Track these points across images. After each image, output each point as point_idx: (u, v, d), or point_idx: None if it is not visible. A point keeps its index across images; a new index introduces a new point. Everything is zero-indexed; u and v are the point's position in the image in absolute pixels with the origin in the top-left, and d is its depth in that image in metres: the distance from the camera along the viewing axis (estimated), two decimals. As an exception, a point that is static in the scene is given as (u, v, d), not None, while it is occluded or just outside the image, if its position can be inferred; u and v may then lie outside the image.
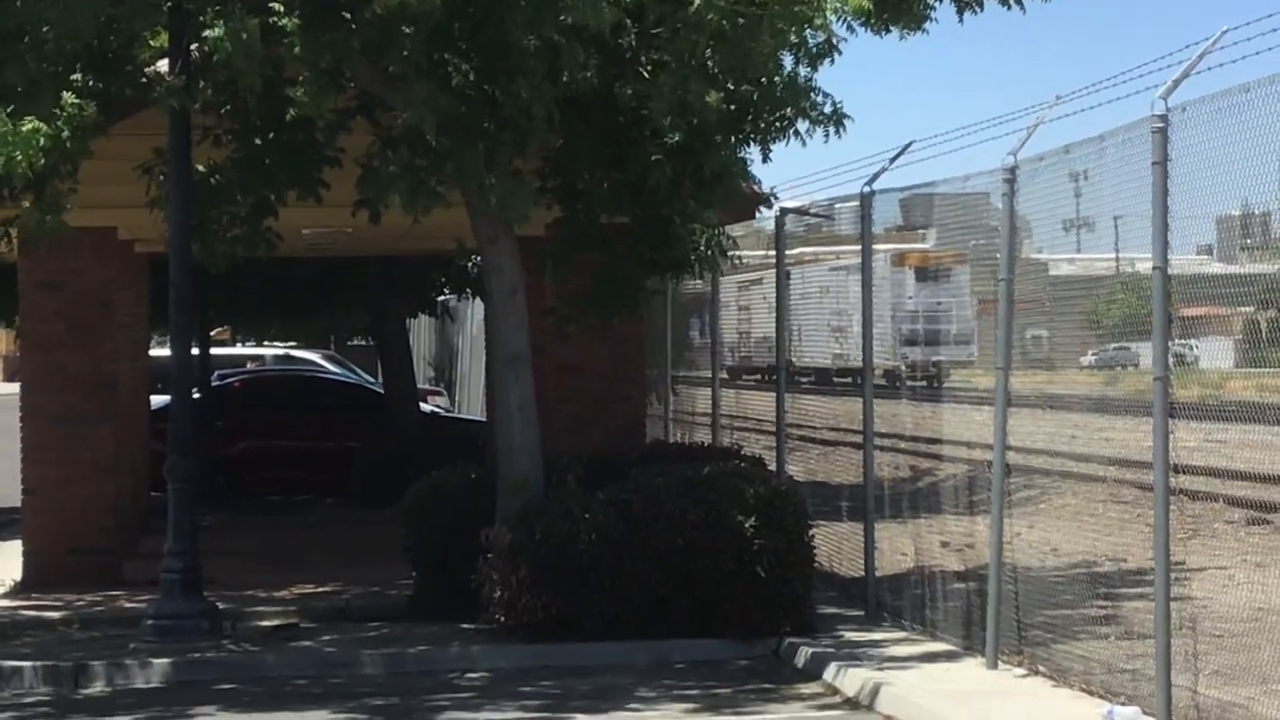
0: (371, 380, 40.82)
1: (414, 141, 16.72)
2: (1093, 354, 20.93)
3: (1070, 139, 15.31)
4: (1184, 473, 13.73)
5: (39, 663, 17.10)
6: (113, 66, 17.49)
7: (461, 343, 45.34)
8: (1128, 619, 15.43)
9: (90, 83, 17.21)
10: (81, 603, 20.47)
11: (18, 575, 22.26)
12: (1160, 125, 12.97)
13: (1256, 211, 19.62)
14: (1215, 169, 13.38)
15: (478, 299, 31.25)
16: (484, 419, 25.36)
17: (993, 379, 16.19)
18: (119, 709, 15.87)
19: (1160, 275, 13.38)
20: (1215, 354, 26.15)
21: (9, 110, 15.98)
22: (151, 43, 17.57)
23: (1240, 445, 22.93)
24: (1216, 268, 27.60)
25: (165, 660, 17.10)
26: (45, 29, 16.12)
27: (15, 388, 23.86)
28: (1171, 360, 13.53)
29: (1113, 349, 19.92)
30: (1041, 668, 15.40)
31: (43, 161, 16.20)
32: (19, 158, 15.93)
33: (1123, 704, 13.79)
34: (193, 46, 17.30)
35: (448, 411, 42.96)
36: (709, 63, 16.28)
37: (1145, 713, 13.34)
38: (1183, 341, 14.50)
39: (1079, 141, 15.13)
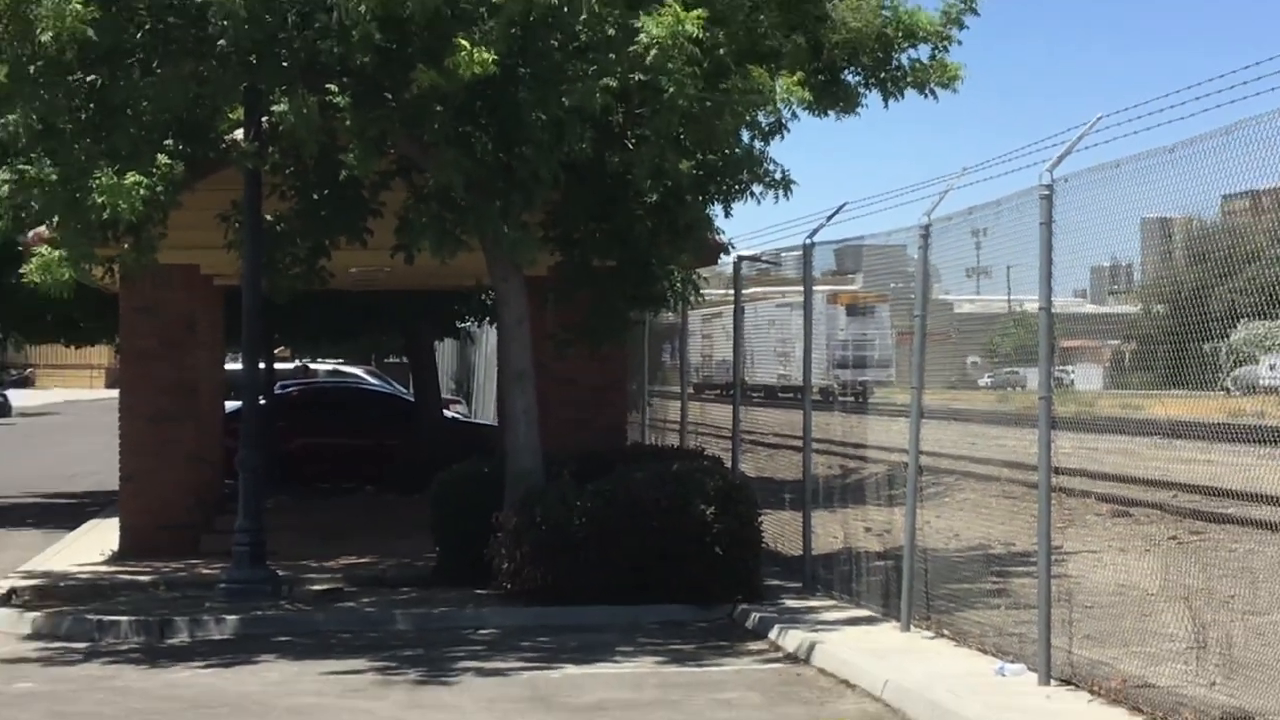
0: (404, 391, 40.78)
1: (442, 198, 16.71)
2: (989, 376, 20.96)
3: (973, 202, 15.37)
4: (1062, 474, 13.75)
5: (132, 617, 17.08)
6: (198, 134, 17.47)
7: (477, 361, 45.24)
8: (1015, 592, 15.42)
9: (179, 147, 17.17)
10: (167, 569, 20.42)
11: (115, 546, 22.23)
12: (1047, 193, 13.04)
13: (1122, 263, 19.64)
14: (1089, 228, 13.50)
15: (491, 325, 31.18)
16: (495, 423, 25.28)
17: (908, 396, 16.21)
18: (196, 656, 15.84)
19: (1045, 314, 13.44)
20: (1088, 378, 26.16)
21: (114, 168, 15.96)
22: (230, 115, 17.60)
23: (1107, 451, 22.96)
24: (1089, 308, 27.62)
25: (235, 617, 17.08)
26: (145, 104, 16.13)
27: (115, 393, 23.82)
28: (1053, 382, 13.57)
29: (1005, 372, 19.95)
30: (945, 631, 15.38)
31: (140, 210, 16.19)
32: (122, 206, 15.89)
33: (1011, 662, 13.79)
34: (263, 119, 17.34)
35: (466, 417, 42.88)
36: (681, 137, 16.27)
37: (1029, 669, 13.34)
38: (1062, 368, 14.47)
39: (980, 205, 15.19)
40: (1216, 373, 20.30)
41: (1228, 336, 18.83)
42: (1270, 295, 14.54)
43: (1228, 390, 21.46)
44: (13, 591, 18.94)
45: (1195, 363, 19.37)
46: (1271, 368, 18.47)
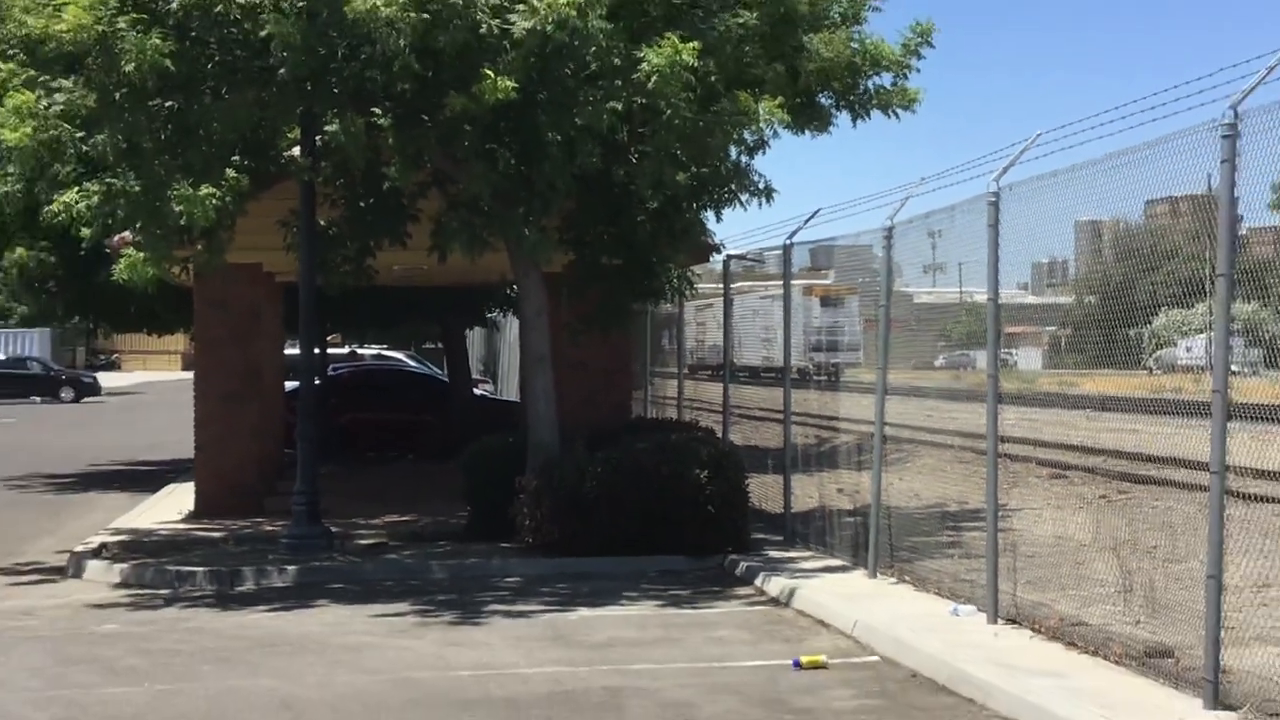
0: (439, 372, 40.80)
1: (471, 205, 16.72)
2: (942, 359, 20.98)
3: (931, 208, 15.39)
4: (1007, 442, 13.78)
5: (205, 568, 17.13)
6: (261, 151, 17.53)
7: (502, 346, 45.18)
8: (967, 544, 15.46)
9: (245, 162, 17.22)
10: (235, 527, 20.48)
11: (190, 507, 22.30)
12: (993, 199, 13.07)
13: (1058, 260, 19.64)
14: (1030, 230, 13.52)
15: (513, 316, 31.20)
16: (518, 400, 25.29)
17: (874, 375, 16.23)
18: (262, 601, 15.89)
19: (993, 305, 13.49)
20: (1029, 359, 26.12)
21: (189, 181, 16.00)
22: (288, 135, 17.61)
23: (1046, 423, 22.94)
24: (1030, 299, 27.57)
25: (294, 567, 17.14)
26: (215, 125, 16.14)
27: (189, 375, 23.89)
28: (999, 363, 13.60)
29: (958, 355, 19.97)
30: (907, 578, 15.42)
31: (212, 217, 16.23)
32: (196, 214, 15.93)
33: (964, 604, 13.83)
34: (317, 138, 17.36)
35: (492, 395, 42.88)
36: (678, 152, 16.28)
37: (979, 610, 13.39)
38: (1007, 350, 14.48)
39: (936, 210, 15.22)
40: (1140, 354, 20.34)
41: (1150, 323, 18.86)
42: (1186, 287, 14.56)
43: (1150, 369, 21.48)
44: (103, 546, 19.00)
45: (1122, 346, 19.37)
46: (1188, 350, 18.47)
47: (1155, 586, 12.92)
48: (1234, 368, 10.82)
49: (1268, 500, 15.39)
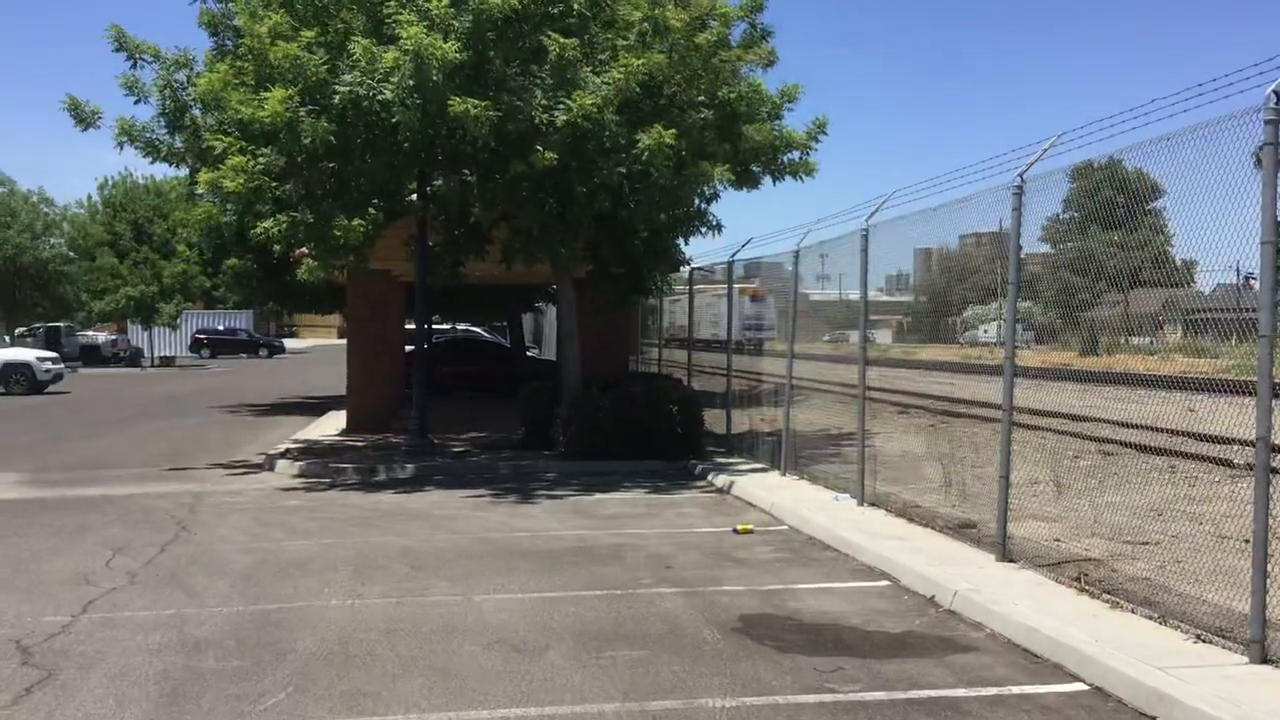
0: (505, 341, 40.75)
1: (527, 234, 16.73)
2: (828, 336, 21.02)
3: (824, 238, 15.38)
4: (871, 389, 13.85)
5: (353, 465, 17.15)
6: (391, 196, 17.48)
7: (545, 325, 45.04)
8: (844, 454, 15.51)
9: (380, 203, 17.23)
10: (372, 439, 20.51)
11: (343, 426, 22.32)
12: (864, 233, 13.08)
13: (903, 273, 19.61)
14: (886, 254, 13.51)
15: (553, 305, 31.14)
16: (555, 360, 25.23)
17: (785, 346, 16.29)
18: (389, 487, 15.95)
19: (863, 301, 13.51)
20: (884, 337, 26.02)
21: (345, 215, 16.04)
22: (410, 186, 17.56)
23: (895, 378, 22.92)
24: (885, 297, 27.47)
25: (410, 465, 17.15)
26: (361, 179, 16.15)
27: (343, 342, 23.92)
28: (866, 339, 13.65)
29: (838, 333, 20.02)
30: (806, 476, 15.47)
31: (359, 240, 16.25)
32: (350, 237, 15.99)
33: (842, 493, 13.90)
34: (427, 188, 17.34)
35: (538, 355, 42.84)
36: (661, 201, 16.29)
37: (852, 497, 13.46)
38: (870, 330, 14.50)
39: (829, 239, 15.21)
40: (955, 334, 20.39)
41: (961, 314, 18.94)
42: (983, 292, 14.61)
43: (961, 344, 21.56)
44: (287, 450, 19.01)
45: (943, 329, 19.45)
46: (985, 332, 18.54)
47: (966, 483, 13.00)
48: (1016, 343, 10.87)
49: (1036, 428, 15.46)
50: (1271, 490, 6.93)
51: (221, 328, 72.31)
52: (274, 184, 15.87)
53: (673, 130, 15.23)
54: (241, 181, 15.34)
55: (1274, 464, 7.04)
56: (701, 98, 16.50)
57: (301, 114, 14.84)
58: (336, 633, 8.24)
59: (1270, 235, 6.70)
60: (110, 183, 56.29)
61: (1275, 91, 6.76)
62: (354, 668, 7.42)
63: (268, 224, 16.34)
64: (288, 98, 14.79)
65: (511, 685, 7.04)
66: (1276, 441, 6.99)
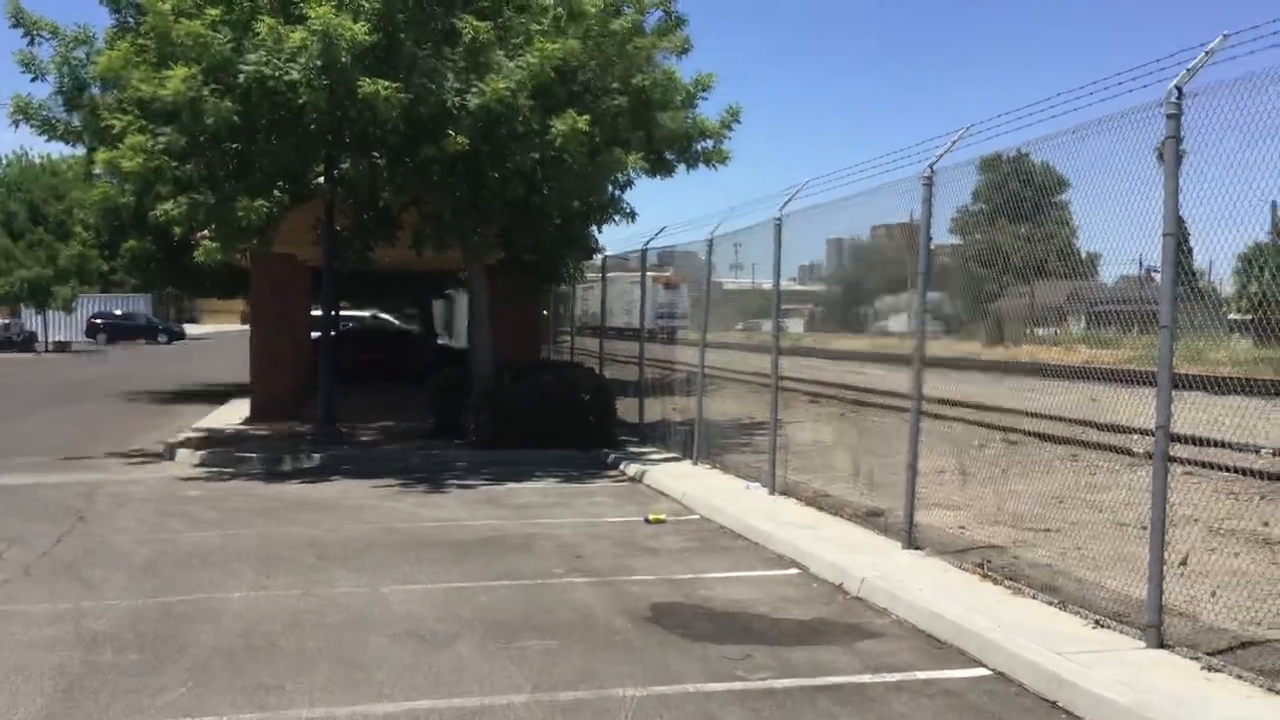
0: (415, 328, 40.33)
1: (438, 219, 16.58)
2: (741, 324, 21.17)
3: (737, 226, 15.49)
4: (783, 378, 13.98)
5: (258, 454, 16.86)
6: (297, 178, 17.16)
7: (456, 311, 44.68)
8: (755, 443, 15.66)
9: (286, 185, 16.93)
10: (278, 427, 20.19)
11: (246, 414, 21.95)
12: (778, 222, 13.20)
13: (816, 262, 19.82)
14: (799, 243, 13.64)
15: (464, 291, 30.91)
16: (466, 347, 25.08)
17: (698, 335, 16.36)
18: (295, 477, 15.73)
19: (775, 291, 13.63)
20: (796, 326, 26.29)
21: (248, 197, 15.74)
22: (316, 169, 17.27)
23: (808, 368, 23.16)
24: (798, 287, 27.74)
25: (317, 454, 16.88)
26: (265, 160, 15.86)
27: (246, 328, 23.47)
28: (779, 327, 13.77)
29: (751, 322, 20.18)
30: (717, 465, 15.58)
31: (263, 221, 15.95)
32: (253, 219, 15.67)
33: (753, 481, 14.02)
34: (335, 171, 17.08)
35: (449, 342, 42.46)
36: (574, 187, 16.26)
37: (763, 486, 13.57)
38: (782, 320, 14.65)
39: (743, 228, 15.31)
40: (866, 324, 20.69)
41: (873, 304, 19.22)
42: (894, 283, 14.85)
43: (872, 334, 21.88)
44: (188, 439, 18.63)
45: (855, 318, 19.72)
46: (896, 322, 18.82)
47: (875, 472, 13.19)
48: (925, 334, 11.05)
49: (943, 418, 15.75)
50: (1169, 479, 7.15)
51: (119, 312, 70.51)
52: (175, 164, 15.49)
53: (587, 116, 15.18)
54: (140, 161, 14.95)
55: (1171, 453, 7.26)
56: (616, 84, 16.46)
57: (205, 93, 14.51)
58: (239, 625, 8.11)
59: (1172, 228, 6.90)
60: (4, 162, 54.61)
61: (1177, 87, 6.95)
62: (257, 661, 7.31)
63: (168, 205, 15.97)
64: (190, 76, 14.44)
65: (419, 677, 7.00)
66: (1174, 430, 7.21)
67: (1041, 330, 16.04)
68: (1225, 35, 6.90)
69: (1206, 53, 6.90)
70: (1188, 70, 6.92)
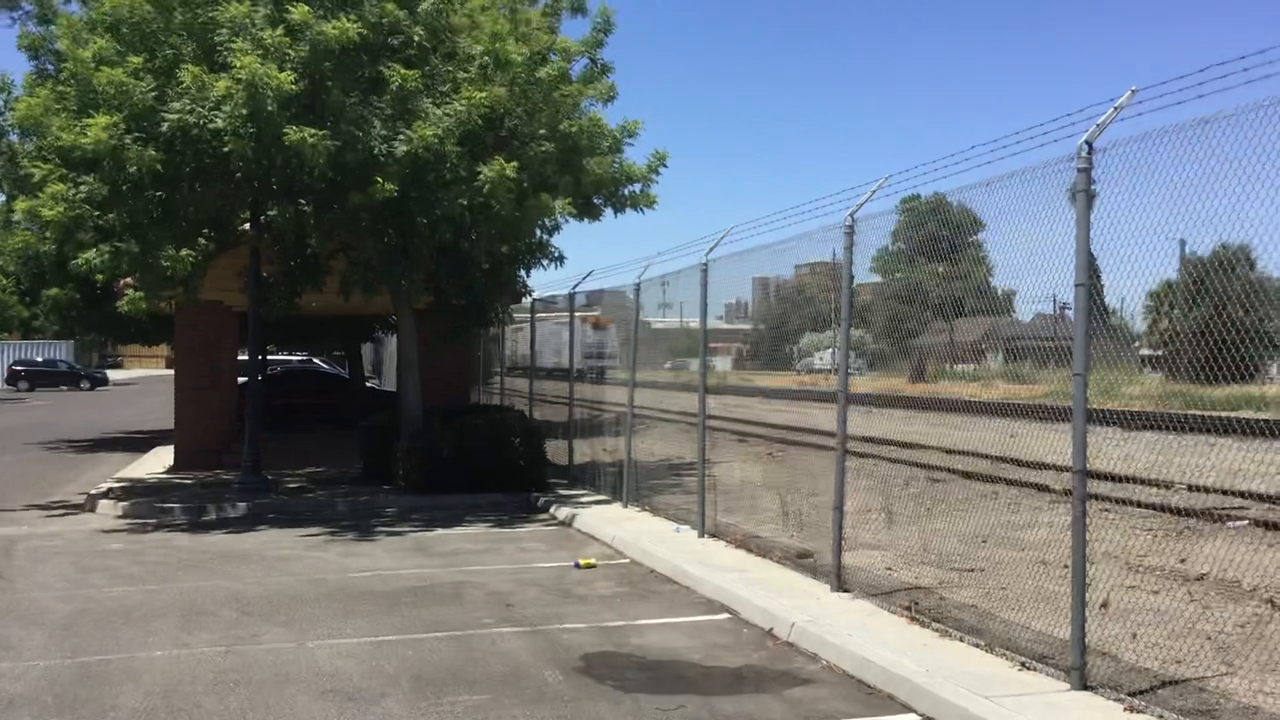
0: (344, 371, 39.83)
1: (366, 265, 16.42)
2: (669, 364, 21.19)
3: (666, 270, 15.49)
4: (711, 418, 13.98)
5: (181, 504, 16.46)
6: (223, 226, 16.90)
7: (385, 355, 44.26)
8: (685, 484, 15.64)
9: (211, 233, 16.66)
10: (202, 476, 19.80)
11: (170, 462, 21.46)
12: (704, 266, 13.23)
13: (742, 301, 19.90)
14: (726, 283, 13.64)
15: (393, 335, 30.59)
16: (395, 390, 24.78)
17: (626, 374, 16.33)
18: (220, 527, 15.39)
19: (703, 332, 13.64)
20: (724, 364, 26.37)
21: (173, 245, 15.46)
22: (242, 216, 17.04)
23: (734, 406, 23.21)
24: (725, 325, 27.86)
25: (243, 503, 16.54)
26: (191, 209, 15.64)
27: (171, 373, 23.00)
28: (706, 366, 13.78)
29: (679, 361, 20.18)
30: (647, 508, 15.53)
31: (189, 270, 15.67)
32: (178, 268, 15.41)
33: (683, 524, 13.98)
34: (261, 218, 16.86)
35: (378, 387, 42.01)
36: (502, 232, 16.20)
37: (693, 528, 13.54)
38: (711, 358, 14.68)
39: (670, 273, 15.33)
40: (792, 362, 20.82)
41: (798, 342, 19.35)
42: (818, 320, 14.95)
43: (798, 371, 22.03)
44: (110, 489, 18.17)
45: (781, 356, 19.83)
46: (820, 359, 18.98)
47: (803, 512, 13.24)
48: (849, 370, 11.12)
49: (869, 456, 15.86)
50: (1088, 519, 7.22)
51: (40, 359, 68.90)
52: (96, 213, 15.20)
53: (514, 162, 15.17)
54: (61, 210, 14.67)
55: (1090, 489, 7.34)
56: (543, 130, 16.48)
57: (127, 141, 14.29)
58: (161, 685, 7.87)
59: (1084, 278, 7.01)
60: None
61: (1088, 142, 7.09)
62: (180, 724, 7.08)
63: (89, 254, 15.63)
64: (112, 124, 14.22)
65: (347, 737, 6.82)
66: (1091, 468, 7.30)
67: (961, 366, 16.29)
68: (1133, 90, 7.06)
69: (1115, 108, 7.06)
70: (1098, 125, 7.06)
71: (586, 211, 17.88)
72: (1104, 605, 8.64)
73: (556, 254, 18.32)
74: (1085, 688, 7.02)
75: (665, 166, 18.39)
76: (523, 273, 19.25)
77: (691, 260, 13.84)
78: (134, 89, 14.38)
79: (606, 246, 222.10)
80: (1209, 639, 8.11)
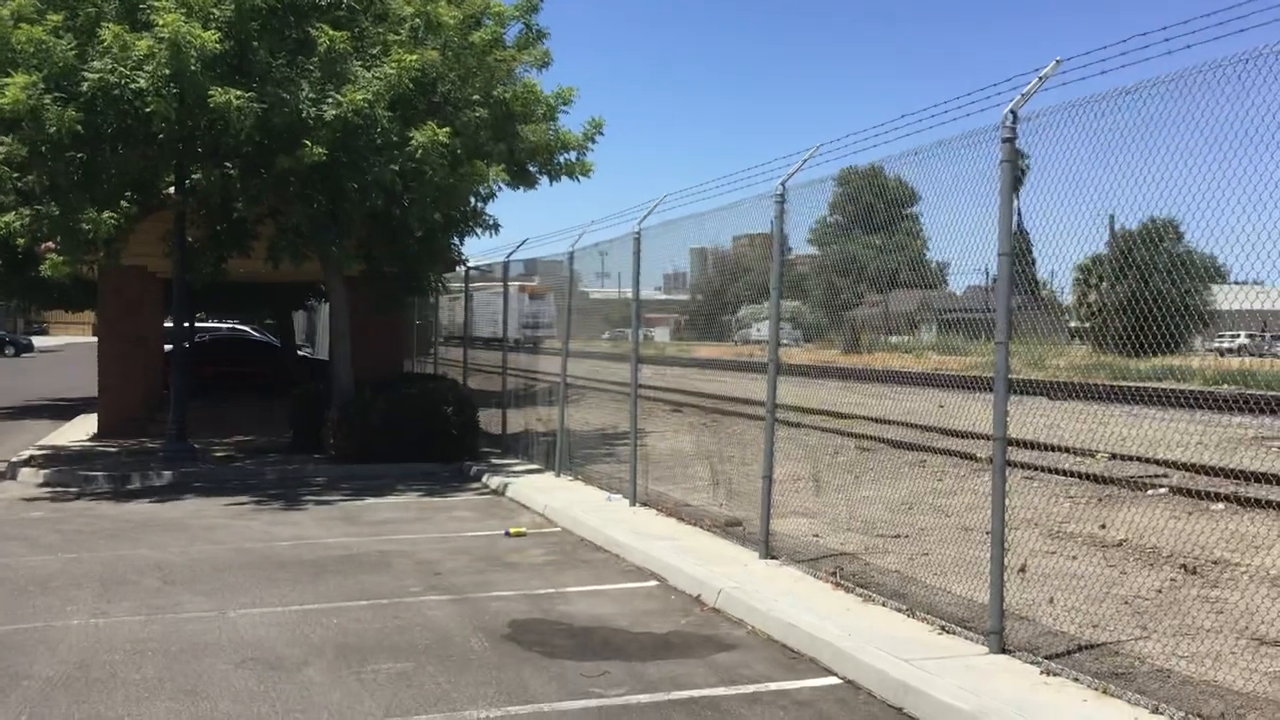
0: (275, 339, 39.27)
1: (295, 231, 16.11)
2: (607, 334, 21.16)
3: (600, 239, 15.46)
4: (647, 388, 13.98)
5: (105, 472, 16.16)
6: (146, 189, 16.54)
7: (317, 323, 43.67)
8: (617, 454, 15.65)
9: (134, 196, 16.28)
10: (126, 444, 19.44)
11: (94, 430, 21.03)
12: (637, 234, 13.19)
13: (680, 271, 19.93)
14: (663, 253, 13.64)
15: (324, 303, 30.18)
16: (326, 359, 24.50)
17: (561, 344, 16.28)
18: (144, 495, 15.12)
19: (635, 301, 13.62)
20: (662, 335, 26.38)
21: (95, 208, 15.09)
22: (166, 178, 16.67)
23: (671, 377, 23.25)
24: (662, 296, 27.85)
25: (168, 472, 16.25)
26: (113, 171, 15.26)
27: (94, 339, 22.47)
28: (640, 336, 13.76)
29: (616, 331, 20.17)
30: (580, 477, 15.52)
31: (110, 233, 15.31)
32: (100, 231, 15.04)
33: (615, 493, 13.99)
34: (186, 181, 16.50)
35: (310, 355, 41.46)
36: (436, 200, 16.01)
37: (625, 497, 13.55)
38: (649, 329, 14.66)
39: (604, 241, 15.30)
40: (729, 333, 20.88)
41: (735, 313, 19.40)
42: (756, 291, 14.97)
43: (735, 342, 22.10)
44: (31, 457, 17.78)
45: (718, 327, 19.86)
46: (758, 330, 19.04)
47: (733, 481, 13.31)
48: (784, 342, 11.16)
49: (800, 425, 15.95)
50: (1008, 485, 7.31)
51: (-39, 325, 67.34)
52: (15, 175, 14.83)
53: (447, 128, 15.00)
54: (-23, 171, 14.25)
55: (1013, 458, 7.44)
56: (476, 96, 16.30)
57: (46, 101, 13.89)
58: (78, 655, 7.72)
59: (1006, 248, 7.07)
60: None
61: (1012, 111, 7.13)
62: (95, 692, 6.96)
63: (9, 217, 15.23)
64: (31, 84, 13.82)
65: (265, 706, 6.74)
66: (1016, 436, 7.39)
67: (895, 338, 16.44)
68: (1058, 61, 7.10)
69: (1040, 78, 7.10)
70: (1022, 94, 7.10)
71: (521, 179, 17.74)
72: (1022, 570, 8.78)
73: (491, 222, 18.18)
74: (1003, 651, 7.12)
75: (601, 134, 18.31)
76: (457, 241, 19.07)
77: (626, 229, 13.81)
78: (54, 47, 13.98)
79: (542, 215, 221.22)
80: (1126, 604, 8.27)
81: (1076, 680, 6.59)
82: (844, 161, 9.79)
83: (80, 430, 21.96)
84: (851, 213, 10.97)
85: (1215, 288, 7.58)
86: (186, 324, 19.22)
